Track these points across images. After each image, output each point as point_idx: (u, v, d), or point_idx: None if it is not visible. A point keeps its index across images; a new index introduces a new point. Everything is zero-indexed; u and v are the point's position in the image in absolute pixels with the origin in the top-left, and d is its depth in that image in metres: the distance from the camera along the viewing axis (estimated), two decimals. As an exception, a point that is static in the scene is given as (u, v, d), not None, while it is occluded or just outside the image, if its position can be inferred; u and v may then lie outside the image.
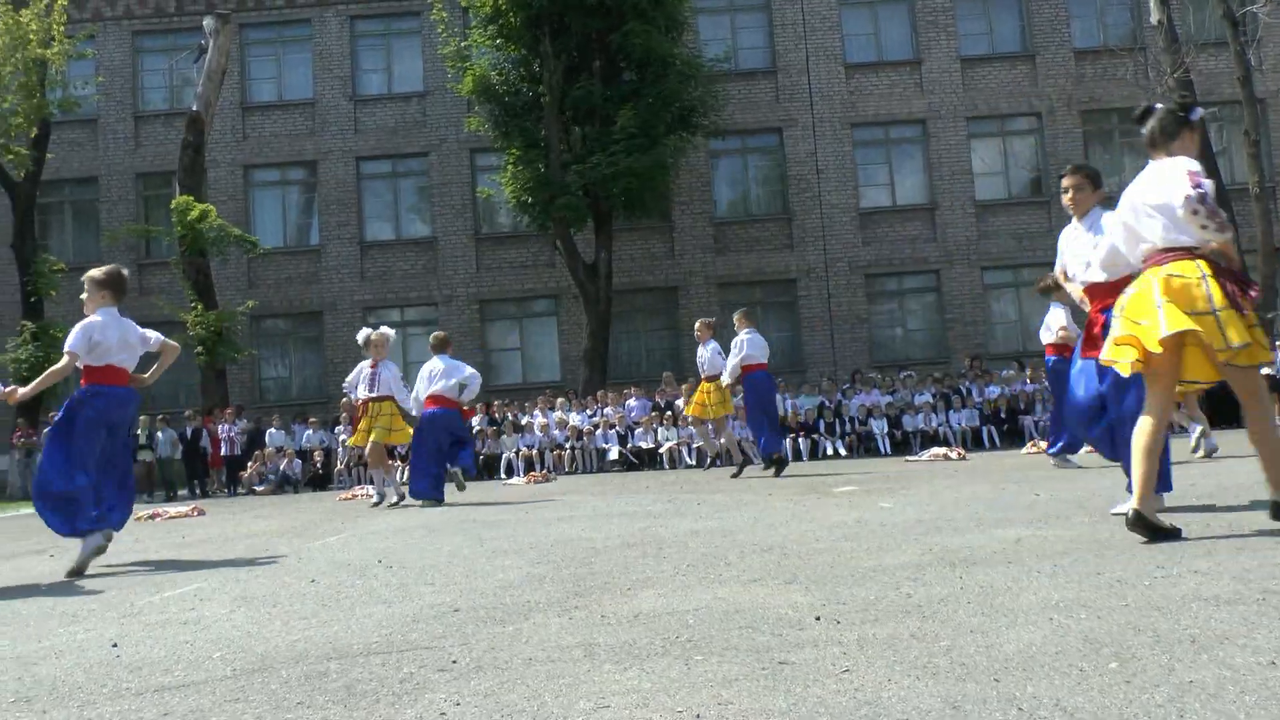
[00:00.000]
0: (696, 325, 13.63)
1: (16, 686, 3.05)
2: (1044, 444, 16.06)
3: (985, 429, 19.49)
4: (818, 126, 26.17)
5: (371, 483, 13.89)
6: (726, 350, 13.10)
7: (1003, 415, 19.78)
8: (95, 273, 6.73)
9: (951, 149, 26.16)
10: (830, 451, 19.20)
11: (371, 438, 11.00)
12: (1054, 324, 10.97)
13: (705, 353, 13.25)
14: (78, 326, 6.48)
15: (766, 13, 26.72)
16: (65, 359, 6.40)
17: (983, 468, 11.69)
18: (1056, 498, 6.85)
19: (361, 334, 11.50)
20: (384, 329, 11.56)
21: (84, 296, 6.72)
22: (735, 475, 12.76)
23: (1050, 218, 25.87)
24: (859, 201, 26.12)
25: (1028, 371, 21.03)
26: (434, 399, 10.95)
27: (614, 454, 19.13)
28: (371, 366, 11.23)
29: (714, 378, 13.09)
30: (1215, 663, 2.42)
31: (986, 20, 26.73)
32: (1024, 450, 15.61)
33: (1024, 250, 25.84)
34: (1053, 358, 11.19)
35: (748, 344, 12.62)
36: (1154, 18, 21.59)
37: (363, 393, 11.20)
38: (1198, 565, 3.74)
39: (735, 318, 12.99)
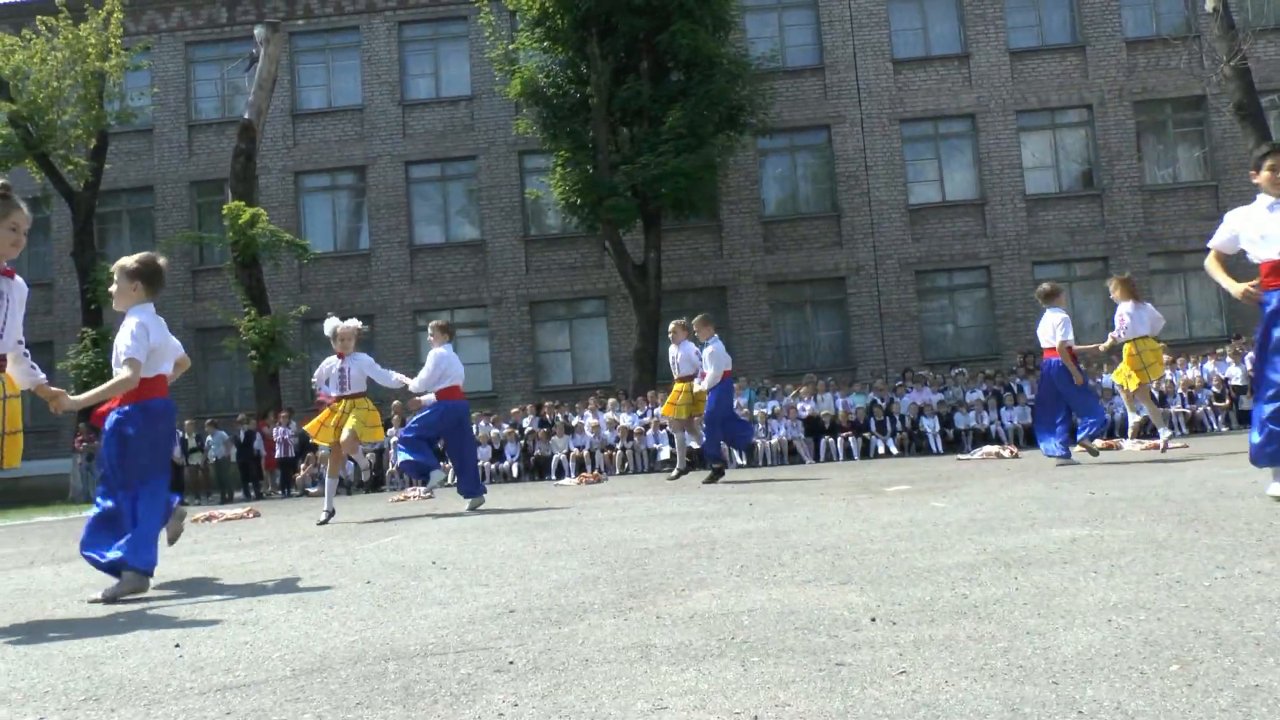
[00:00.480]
0: (672, 326, 13.08)
1: (86, 685, 3.11)
2: (1097, 443, 15.92)
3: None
4: (866, 123, 26.03)
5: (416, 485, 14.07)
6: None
7: (1056, 412, 19.52)
8: (127, 261, 5.52)
9: (1001, 143, 25.91)
10: (881, 450, 19.10)
11: (349, 424, 10.06)
12: (1053, 327, 11.37)
13: (679, 353, 12.86)
14: (131, 327, 5.34)
15: (814, 9, 26.61)
16: (130, 370, 5.24)
17: (1035, 466, 11.57)
18: (1111, 496, 6.76)
19: (329, 325, 10.61)
20: (352, 321, 10.75)
21: (113, 289, 5.53)
22: (673, 478, 12.55)
23: (1103, 211, 25.58)
24: (908, 198, 25.95)
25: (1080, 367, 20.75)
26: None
27: (664, 454, 19.13)
28: (339, 356, 10.42)
29: (688, 378, 12.76)
30: (1280, 664, 2.39)
31: (1035, 11, 26.44)
32: (1077, 447, 15.40)
33: (1075, 244, 25.56)
34: (1054, 360, 11.44)
35: (722, 351, 12.43)
36: (1209, 4, 21.22)
37: (334, 392, 10.39)
38: (1260, 565, 3.68)
39: (696, 324, 12.66)
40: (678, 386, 12.88)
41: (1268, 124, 21.56)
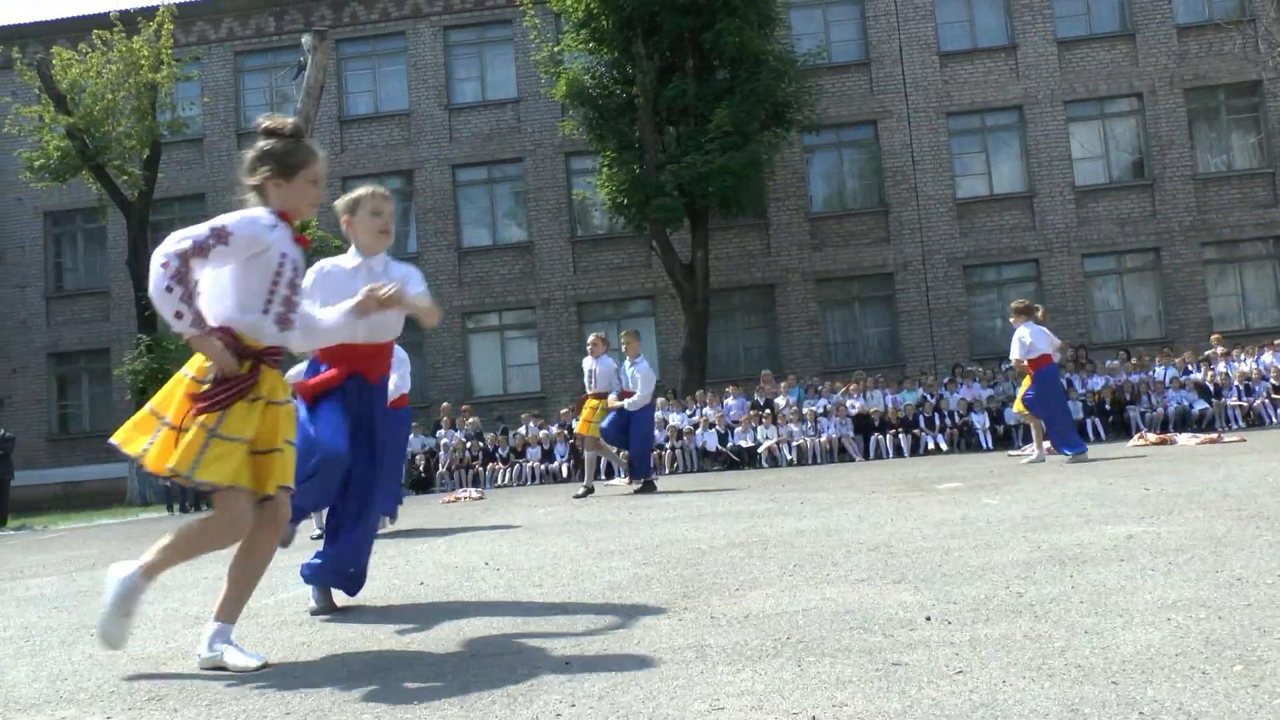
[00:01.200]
0: (591, 339, 12.55)
1: (149, 685, 3.18)
2: (1152, 435, 15.74)
3: (1090, 421, 19.02)
4: (913, 117, 25.85)
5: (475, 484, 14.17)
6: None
7: (1107, 407, 19.31)
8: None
9: (1049, 134, 25.61)
10: (931, 447, 18.96)
11: None
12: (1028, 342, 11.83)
13: (598, 368, 12.44)
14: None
15: (859, 4, 26.46)
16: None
17: (1088, 462, 11.43)
18: (1167, 492, 6.69)
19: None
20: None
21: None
22: (581, 496, 12.01)
23: (1154, 201, 25.22)
24: (955, 192, 25.73)
25: (1133, 361, 20.53)
26: None
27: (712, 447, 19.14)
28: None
29: (602, 395, 12.40)
30: (1345, 662, 2.36)
31: (1084, 0, 26.11)
32: (1131, 443, 15.23)
33: (1126, 236, 25.22)
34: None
35: (649, 371, 12.24)
36: (1263, -11, 20.88)
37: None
38: (1323, 561, 3.63)
39: (625, 339, 12.54)
40: (592, 403, 12.46)
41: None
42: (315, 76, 23.29)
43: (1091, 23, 26.06)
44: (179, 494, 18.90)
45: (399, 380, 8.73)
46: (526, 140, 26.83)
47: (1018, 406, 13.00)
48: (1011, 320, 12.23)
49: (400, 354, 8.29)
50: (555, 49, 23.29)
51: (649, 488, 12.26)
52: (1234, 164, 25.61)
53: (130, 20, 23.52)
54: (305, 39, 23.67)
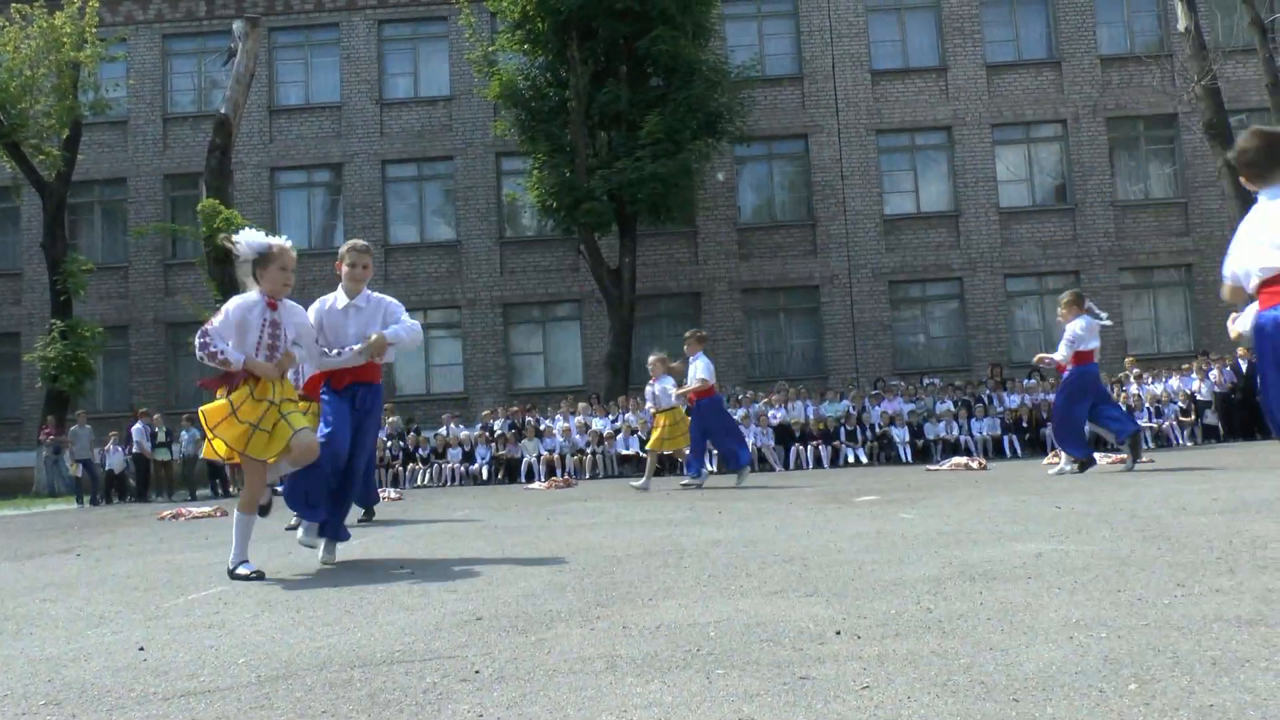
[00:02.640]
0: (651, 361, 13.20)
1: (47, 689, 3.09)
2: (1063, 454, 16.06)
3: (1007, 438, 19.42)
4: (843, 133, 26.17)
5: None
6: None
7: (1024, 424, 19.70)
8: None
9: (976, 156, 26.11)
10: (851, 459, 19.19)
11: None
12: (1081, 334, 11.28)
13: (658, 388, 12.97)
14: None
15: (794, 19, 26.75)
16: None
17: (1004, 478, 11.65)
18: (1077, 511, 6.83)
19: None
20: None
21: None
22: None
23: (1075, 226, 25.81)
24: (883, 208, 26.11)
25: (1050, 380, 20.94)
26: None
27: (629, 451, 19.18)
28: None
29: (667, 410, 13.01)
30: (1236, 686, 2.42)
31: (1013, 27, 26.69)
32: (1046, 460, 15.55)
33: (1047, 258, 25.79)
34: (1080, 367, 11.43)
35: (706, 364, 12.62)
36: (1181, 24, 21.50)
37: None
38: (1219, 584, 3.73)
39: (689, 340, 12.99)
40: (661, 419, 13.03)
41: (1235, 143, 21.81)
42: (246, 64, 22.97)
43: (1020, 49, 26.63)
44: (89, 486, 18.50)
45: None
46: (458, 139, 26.68)
47: None
48: (1061, 315, 11.69)
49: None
50: (490, 49, 23.20)
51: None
52: (1150, 193, 26.31)
53: (53, -3, 23.00)
54: (237, 25, 23.34)
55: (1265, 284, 4.39)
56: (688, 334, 13.11)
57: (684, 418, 12.95)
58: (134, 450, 19.91)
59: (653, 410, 13.21)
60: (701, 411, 12.75)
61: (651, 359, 13.19)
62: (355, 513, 10.32)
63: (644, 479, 13.01)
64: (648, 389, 13.20)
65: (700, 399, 12.69)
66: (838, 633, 3.26)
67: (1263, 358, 4.39)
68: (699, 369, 12.65)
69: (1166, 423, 19.54)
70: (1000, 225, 25.94)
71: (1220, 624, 3.07)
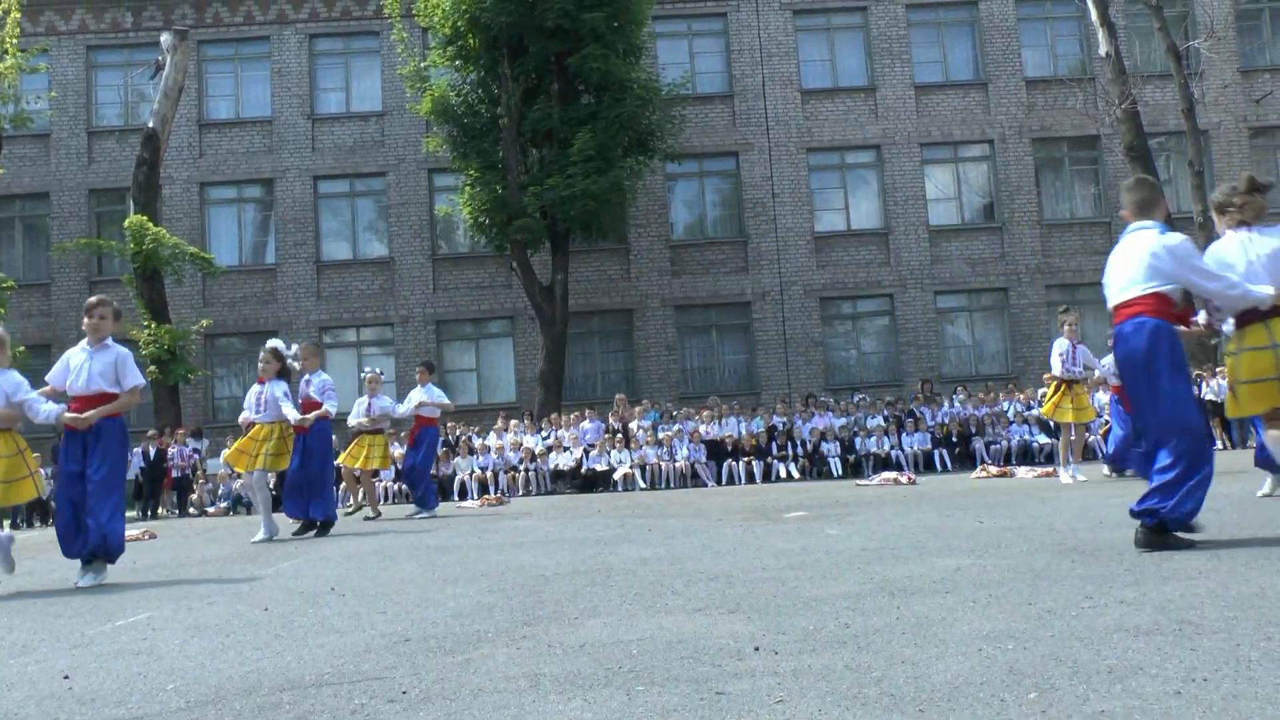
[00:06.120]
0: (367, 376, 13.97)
1: (-31, 717, 3.09)
2: (994, 468, 16.41)
3: (937, 452, 19.73)
4: (774, 151, 26.47)
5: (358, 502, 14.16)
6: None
7: (954, 439, 20.04)
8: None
9: (905, 175, 26.54)
10: (783, 474, 19.37)
11: (258, 464, 10.15)
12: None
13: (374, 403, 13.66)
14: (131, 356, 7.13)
15: (724, 38, 27.03)
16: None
17: (931, 493, 11.87)
18: (998, 525, 7.01)
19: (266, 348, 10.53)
20: (271, 342, 10.68)
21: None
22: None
23: (1003, 243, 26.34)
24: (814, 225, 26.43)
25: (979, 395, 21.34)
26: None
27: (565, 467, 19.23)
28: (259, 382, 10.34)
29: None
30: (1127, 693, 2.56)
31: (940, 49, 27.20)
32: (973, 474, 15.85)
33: (976, 275, 26.27)
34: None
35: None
36: (1103, 49, 22.10)
37: (250, 416, 10.28)
38: (1124, 595, 3.89)
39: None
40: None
41: (1155, 165, 22.46)
42: (174, 77, 22.72)
43: (948, 70, 27.14)
44: (10, 512, 18.13)
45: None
46: (390, 154, 26.57)
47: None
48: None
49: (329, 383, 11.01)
50: (422, 64, 23.14)
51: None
52: (1075, 212, 26.95)
53: (-29, 7, 22.54)
54: (165, 37, 23.06)
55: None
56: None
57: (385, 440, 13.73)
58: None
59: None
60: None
61: (372, 374, 13.81)
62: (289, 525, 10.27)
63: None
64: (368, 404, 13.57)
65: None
66: (756, 649, 3.35)
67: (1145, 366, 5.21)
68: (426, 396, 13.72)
69: (1092, 437, 19.96)
70: (930, 243, 26.39)
71: (1120, 634, 3.22)
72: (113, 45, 27.14)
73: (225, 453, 10.92)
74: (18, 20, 22.30)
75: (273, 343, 10.60)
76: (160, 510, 19.95)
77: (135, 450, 20.05)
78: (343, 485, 15.83)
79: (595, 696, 2.86)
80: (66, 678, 3.61)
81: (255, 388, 10.39)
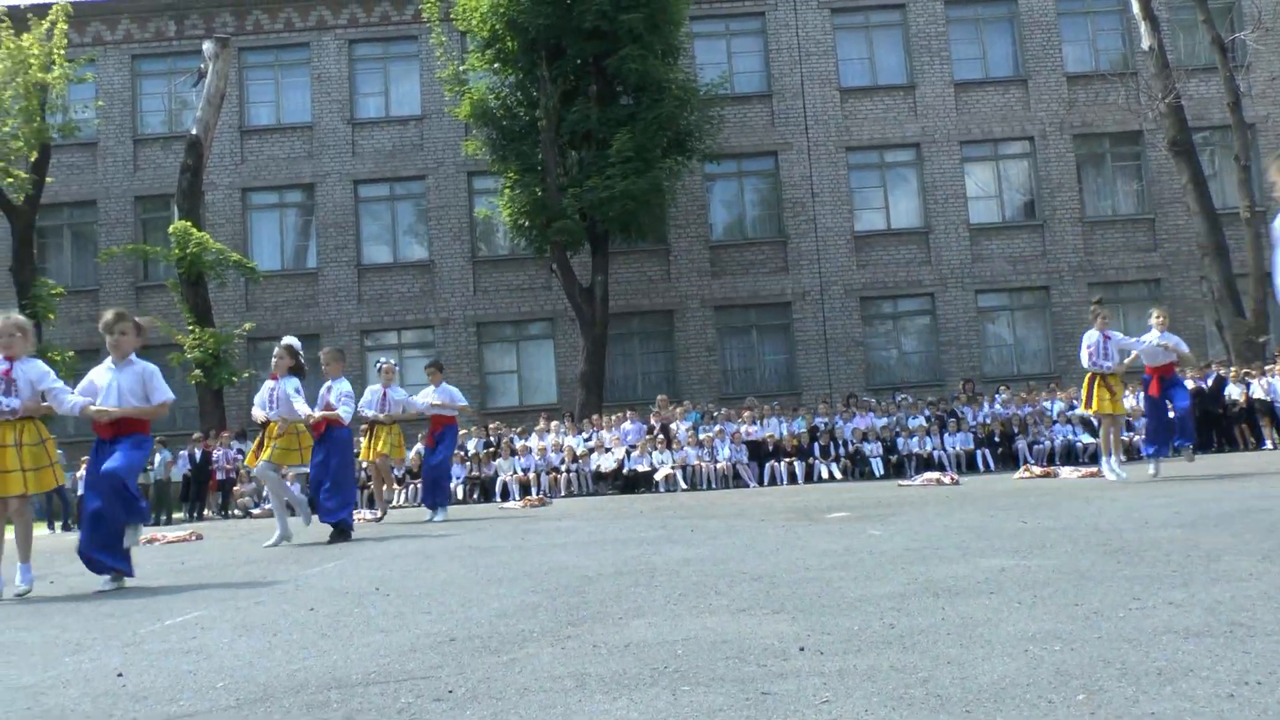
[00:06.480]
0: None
1: (26, 716, 3.14)
2: (1037, 468, 16.26)
3: (979, 452, 19.58)
4: (813, 150, 26.39)
5: (372, 505, 14.09)
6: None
7: (996, 439, 19.88)
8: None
9: (945, 173, 26.37)
10: (825, 475, 19.29)
11: (264, 455, 10.19)
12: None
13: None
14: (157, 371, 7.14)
15: (762, 37, 26.98)
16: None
17: (974, 493, 11.78)
18: (1042, 526, 6.95)
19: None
20: (286, 339, 10.57)
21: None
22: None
23: (1044, 241, 26.10)
24: (854, 225, 26.32)
25: (1021, 395, 21.16)
26: None
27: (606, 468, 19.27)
28: (272, 378, 10.31)
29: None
30: (1177, 695, 2.53)
31: (980, 45, 27.01)
32: (1016, 475, 15.71)
33: (1017, 273, 26.05)
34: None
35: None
36: (1145, 43, 21.86)
37: (259, 414, 10.32)
38: (1173, 596, 3.84)
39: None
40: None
41: (1199, 160, 22.19)
42: (216, 84, 22.98)
43: (987, 67, 26.95)
44: (61, 511, 18.40)
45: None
46: (429, 158, 26.75)
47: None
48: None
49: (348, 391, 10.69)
50: (460, 68, 23.28)
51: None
52: (1118, 209, 26.64)
53: (20, 17, 22.94)
54: (207, 46, 23.34)
55: None
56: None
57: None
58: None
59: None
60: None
61: (387, 364, 13.50)
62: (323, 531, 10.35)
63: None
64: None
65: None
66: (801, 649, 3.35)
67: None
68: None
69: (1136, 436, 19.73)
70: (970, 241, 26.21)
71: (1169, 635, 3.18)
72: (157, 54, 27.52)
73: (246, 457, 10.96)
74: (65, 31, 22.64)
75: (288, 339, 10.53)
76: (205, 512, 20.19)
77: (181, 452, 20.38)
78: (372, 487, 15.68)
79: (641, 696, 2.86)
80: (120, 675, 3.66)
81: (268, 383, 10.34)
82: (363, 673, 3.44)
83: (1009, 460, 19.31)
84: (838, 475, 19.28)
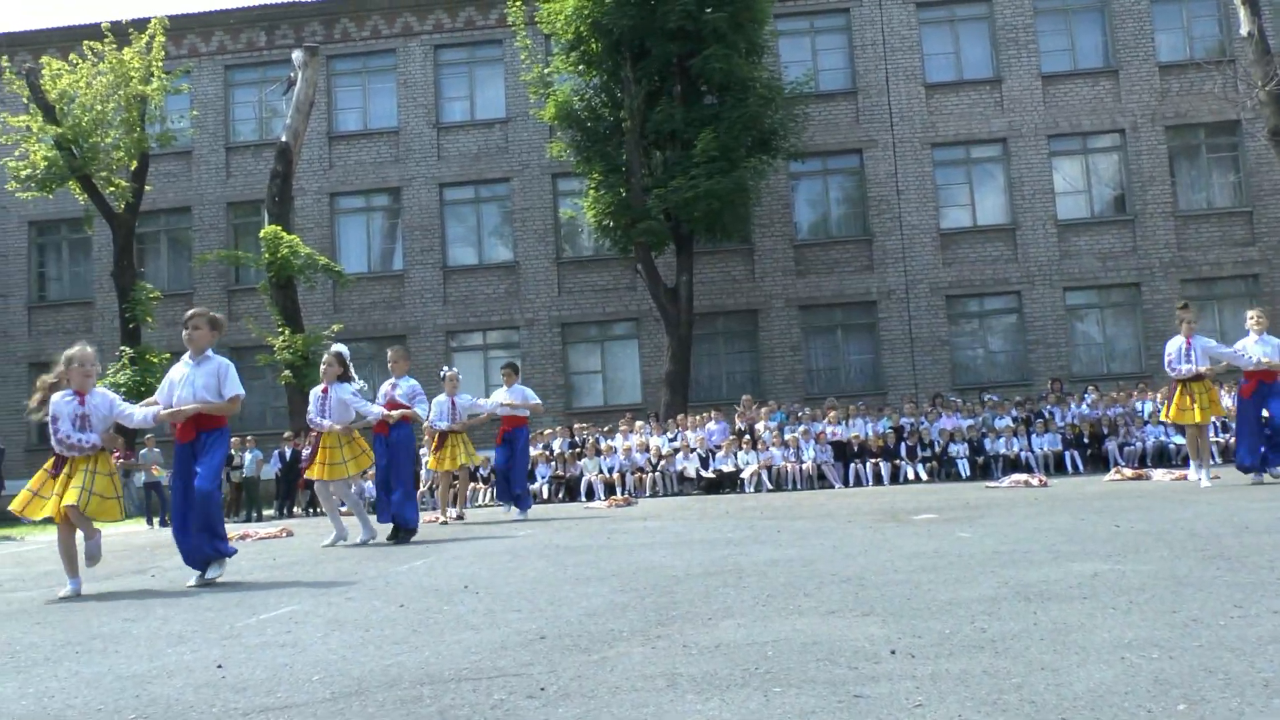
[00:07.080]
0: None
1: (135, 704, 3.25)
2: (1128, 470, 15.89)
3: (1068, 454, 19.19)
4: (898, 147, 26.10)
5: (454, 504, 14.24)
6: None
7: (1085, 440, 19.47)
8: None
9: (1033, 168, 25.89)
10: (911, 476, 19.07)
11: (312, 473, 10.44)
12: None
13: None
14: (232, 367, 7.34)
15: (847, 34, 26.75)
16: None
17: (1063, 495, 11.57)
18: (1136, 530, 6.81)
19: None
20: (335, 347, 10.63)
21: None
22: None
23: (1134, 237, 25.50)
24: (939, 222, 25.96)
25: (1112, 395, 20.69)
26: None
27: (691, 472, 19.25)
28: (322, 391, 10.35)
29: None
30: (1284, 705, 2.47)
31: (1068, 36, 26.46)
32: (1107, 477, 15.37)
33: (1107, 270, 25.48)
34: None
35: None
36: (1244, 29, 21.19)
37: (323, 423, 10.28)
38: (1277, 605, 3.75)
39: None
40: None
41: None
42: (305, 92, 23.42)
43: (1076, 59, 26.39)
44: (159, 508, 18.90)
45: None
46: (514, 160, 26.98)
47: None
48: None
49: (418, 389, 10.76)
50: (545, 70, 23.45)
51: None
52: (1213, 202, 25.92)
53: (121, 31, 23.62)
54: (296, 54, 23.79)
55: None
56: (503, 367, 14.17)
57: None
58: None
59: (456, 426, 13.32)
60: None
61: (450, 373, 13.66)
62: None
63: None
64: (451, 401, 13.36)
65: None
66: (892, 652, 3.33)
67: None
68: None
69: (1231, 437, 19.18)
70: (1058, 238, 25.70)
71: (1276, 645, 3.10)
72: (248, 64, 28.15)
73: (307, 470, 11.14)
74: (163, 44, 23.31)
75: (337, 347, 10.56)
76: (295, 509, 20.61)
77: (274, 451, 20.85)
78: (438, 490, 15.66)
79: (733, 697, 2.87)
80: (220, 667, 3.77)
81: (315, 392, 10.44)
82: (454, 669, 3.49)
83: (1098, 462, 18.88)
84: (923, 476, 19.04)
